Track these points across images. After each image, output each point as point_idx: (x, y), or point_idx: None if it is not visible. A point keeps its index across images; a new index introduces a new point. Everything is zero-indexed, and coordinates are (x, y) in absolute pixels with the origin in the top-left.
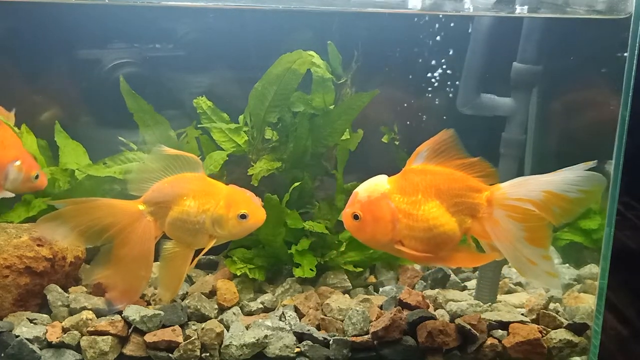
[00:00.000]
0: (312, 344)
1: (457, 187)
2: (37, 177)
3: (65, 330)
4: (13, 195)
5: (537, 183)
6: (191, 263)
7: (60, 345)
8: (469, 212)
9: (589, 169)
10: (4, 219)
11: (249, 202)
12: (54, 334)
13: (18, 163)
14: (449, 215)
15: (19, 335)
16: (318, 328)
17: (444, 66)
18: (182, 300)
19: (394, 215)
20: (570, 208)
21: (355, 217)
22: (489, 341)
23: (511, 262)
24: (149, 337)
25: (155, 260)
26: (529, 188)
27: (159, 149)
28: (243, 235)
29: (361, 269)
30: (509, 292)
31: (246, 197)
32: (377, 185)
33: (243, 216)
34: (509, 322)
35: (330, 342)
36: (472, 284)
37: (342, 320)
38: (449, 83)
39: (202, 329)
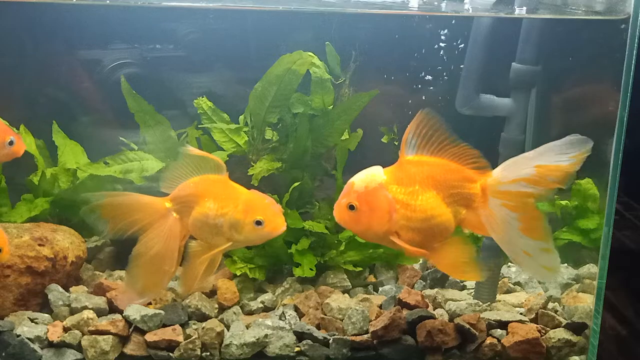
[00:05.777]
0: (312, 343)
1: (453, 177)
2: (11, 142)
3: (66, 329)
4: None
5: (527, 160)
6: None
7: (61, 345)
8: (463, 203)
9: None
10: (6, 219)
11: (267, 209)
12: (55, 334)
13: None
14: (445, 206)
15: (20, 335)
16: (318, 327)
17: (444, 66)
18: (183, 299)
19: (392, 206)
20: (563, 176)
21: (351, 207)
22: (488, 340)
23: (507, 252)
24: (150, 337)
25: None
26: (519, 167)
27: (185, 148)
28: (260, 241)
29: (361, 269)
30: (508, 291)
31: (265, 204)
32: (373, 175)
33: (258, 222)
34: (508, 322)
35: (330, 341)
36: (471, 283)
37: (342, 320)
38: (447, 83)
39: (203, 328)
